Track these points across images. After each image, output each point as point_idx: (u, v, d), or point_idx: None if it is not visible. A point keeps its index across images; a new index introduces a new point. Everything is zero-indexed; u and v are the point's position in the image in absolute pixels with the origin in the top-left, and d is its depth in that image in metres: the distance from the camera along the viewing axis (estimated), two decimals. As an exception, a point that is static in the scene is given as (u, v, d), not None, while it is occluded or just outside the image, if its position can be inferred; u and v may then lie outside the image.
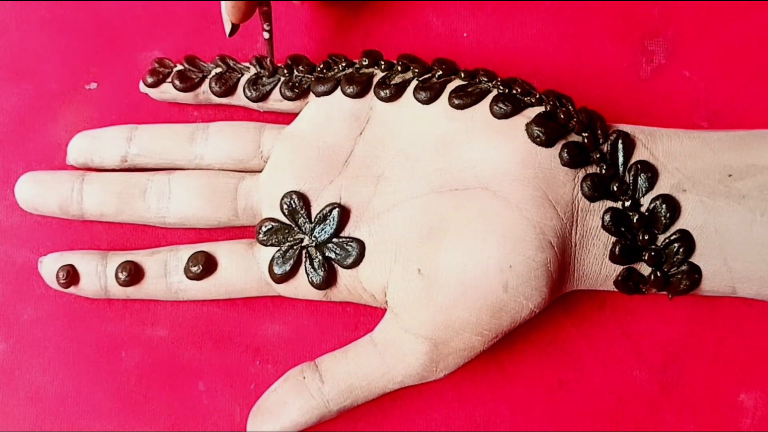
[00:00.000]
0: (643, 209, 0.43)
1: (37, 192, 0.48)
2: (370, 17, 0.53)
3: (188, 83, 0.50)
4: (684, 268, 0.43)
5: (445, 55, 0.48)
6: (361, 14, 0.53)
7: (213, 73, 0.50)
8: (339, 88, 0.47)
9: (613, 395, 0.48)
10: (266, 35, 0.49)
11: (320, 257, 0.45)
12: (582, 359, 0.49)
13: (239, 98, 0.50)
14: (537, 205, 0.43)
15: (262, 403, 0.46)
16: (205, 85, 0.50)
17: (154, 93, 0.51)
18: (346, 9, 0.53)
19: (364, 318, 0.49)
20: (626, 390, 0.48)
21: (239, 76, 0.49)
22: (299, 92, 0.48)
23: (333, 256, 0.45)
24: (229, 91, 0.49)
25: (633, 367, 0.48)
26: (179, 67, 0.50)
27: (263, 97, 0.49)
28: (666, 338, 0.49)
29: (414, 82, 0.47)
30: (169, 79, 0.50)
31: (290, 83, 0.48)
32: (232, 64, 0.50)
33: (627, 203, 0.43)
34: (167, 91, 0.50)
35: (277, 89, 0.49)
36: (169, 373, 0.49)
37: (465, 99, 0.45)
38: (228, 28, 0.48)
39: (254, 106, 0.50)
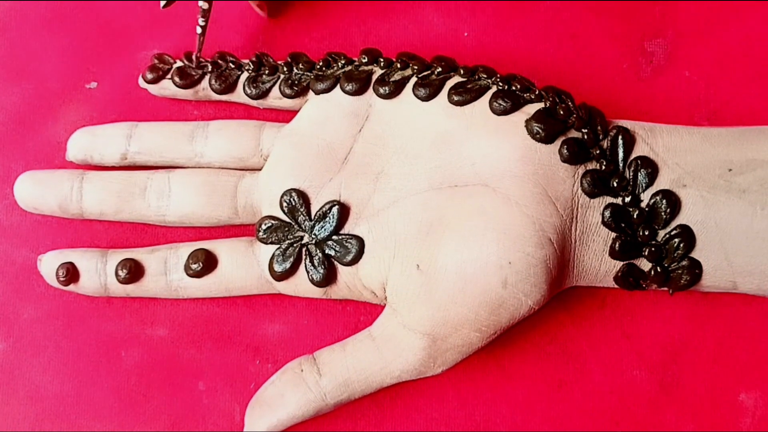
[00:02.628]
0: (643, 205, 0.43)
1: (36, 191, 0.48)
2: (370, 16, 0.53)
3: (188, 80, 0.50)
4: (684, 263, 0.43)
5: (446, 55, 0.48)
6: (362, 13, 0.53)
7: (213, 70, 0.50)
8: (338, 85, 0.48)
9: (613, 395, 0.48)
10: (198, 30, 0.49)
11: (320, 255, 0.45)
12: (582, 359, 0.48)
13: (239, 95, 0.50)
14: (536, 201, 0.43)
15: (259, 395, 0.46)
16: (205, 82, 0.50)
17: (153, 89, 0.51)
18: (346, 8, 0.53)
19: (364, 317, 0.49)
20: (626, 390, 0.48)
21: (239, 73, 0.50)
22: (299, 90, 0.48)
23: (333, 253, 0.45)
24: (229, 88, 0.49)
25: (633, 367, 0.48)
26: (179, 63, 0.50)
27: (263, 94, 0.49)
28: (666, 338, 0.48)
29: (413, 79, 0.47)
30: (169, 76, 0.50)
31: (289, 81, 0.48)
32: (231, 62, 0.50)
33: (627, 199, 0.43)
34: (167, 87, 0.50)
35: (276, 87, 0.49)
36: (168, 372, 0.49)
37: (464, 96, 0.45)
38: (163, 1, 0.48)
39: (254, 103, 0.50)
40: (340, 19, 0.53)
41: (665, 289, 0.45)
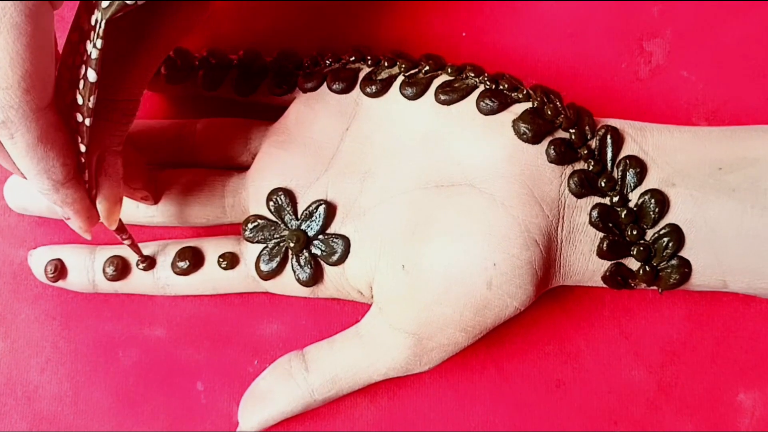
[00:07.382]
0: (631, 204, 0.43)
1: (26, 192, 0.48)
2: (367, 17, 0.53)
3: (177, 75, 0.49)
4: (674, 262, 0.43)
5: (443, 55, 0.48)
6: (359, 13, 0.53)
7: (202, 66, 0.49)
8: (325, 83, 0.47)
9: (611, 395, 0.48)
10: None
11: (306, 254, 0.45)
12: (580, 359, 0.48)
13: (227, 92, 0.49)
14: (522, 202, 0.42)
15: (251, 390, 0.47)
16: (195, 78, 0.49)
17: None
18: (344, 8, 0.53)
19: (362, 317, 0.48)
20: (624, 389, 0.48)
21: (228, 70, 0.49)
22: (287, 88, 0.48)
23: (318, 252, 0.45)
24: (218, 84, 0.49)
25: (631, 367, 0.48)
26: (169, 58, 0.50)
27: (251, 91, 0.49)
28: (664, 338, 0.48)
29: (400, 78, 0.46)
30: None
31: (278, 78, 0.48)
32: (221, 58, 0.49)
33: (615, 199, 0.43)
34: (156, 82, 0.50)
35: (265, 84, 0.48)
36: (166, 372, 0.49)
37: (451, 95, 0.45)
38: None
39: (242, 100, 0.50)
40: (337, 19, 0.53)
41: (655, 288, 0.44)
